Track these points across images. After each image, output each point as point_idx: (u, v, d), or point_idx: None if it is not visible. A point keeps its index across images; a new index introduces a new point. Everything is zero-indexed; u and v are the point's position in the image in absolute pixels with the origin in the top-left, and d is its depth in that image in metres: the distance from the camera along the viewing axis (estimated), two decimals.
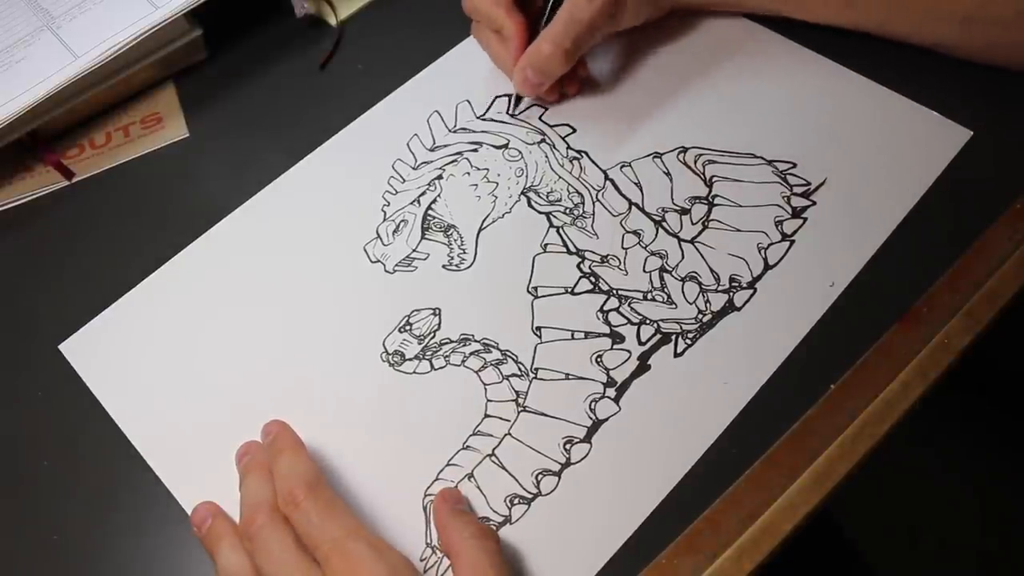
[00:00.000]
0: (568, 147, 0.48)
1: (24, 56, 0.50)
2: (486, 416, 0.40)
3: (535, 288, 0.43)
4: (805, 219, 0.44)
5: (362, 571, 0.32)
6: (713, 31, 0.52)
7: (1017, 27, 0.44)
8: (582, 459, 0.38)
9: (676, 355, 0.41)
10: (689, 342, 0.41)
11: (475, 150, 0.49)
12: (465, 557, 0.33)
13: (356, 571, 0.32)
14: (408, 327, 0.43)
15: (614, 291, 0.43)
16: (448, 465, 0.39)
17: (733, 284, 0.42)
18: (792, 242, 0.43)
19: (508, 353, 0.41)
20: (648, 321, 0.42)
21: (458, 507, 0.36)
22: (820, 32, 0.49)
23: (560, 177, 0.47)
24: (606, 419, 0.39)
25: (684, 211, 0.45)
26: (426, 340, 0.42)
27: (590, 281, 0.43)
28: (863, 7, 0.47)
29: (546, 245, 0.45)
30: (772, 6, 0.49)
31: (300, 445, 0.37)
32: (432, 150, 0.49)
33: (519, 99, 0.50)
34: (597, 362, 0.41)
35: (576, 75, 0.49)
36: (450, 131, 0.50)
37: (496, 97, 0.51)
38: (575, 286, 0.43)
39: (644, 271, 0.43)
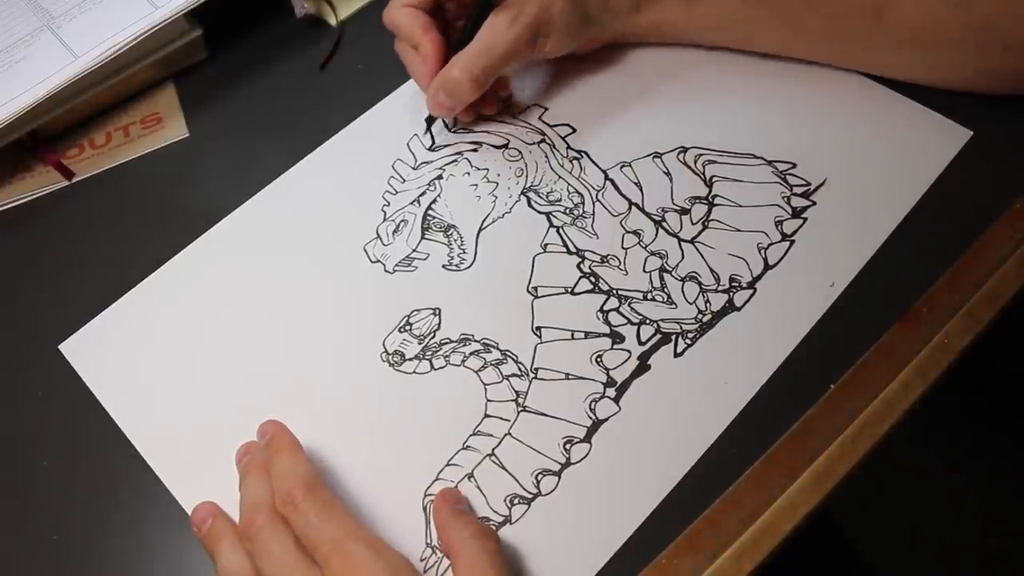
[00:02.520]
0: (568, 147, 0.48)
1: (24, 56, 0.50)
2: (486, 416, 0.40)
3: (535, 288, 0.43)
4: (805, 219, 0.44)
5: (362, 571, 0.32)
6: None
7: (961, 47, 0.43)
8: (582, 459, 0.38)
9: (676, 355, 0.41)
10: (689, 342, 0.41)
11: (475, 150, 0.49)
12: (465, 557, 0.33)
13: (356, 572, 0.32)
14: (408, 327, 0.43)
15: (614, 291, 0.43)
16: (448, 465, 0.39)
17: (733, 284, 0.42)
18: (792, 242, 0.43)
19: (508, 353, 0.41)
20: (648, 321, 0.42)
21: (458, 507, 0.36)
22: None
23: (560, 177, 0.47)
24: (606, 419, 0.39)
25: (684, 211, 0.45)
26: (426, 340, 0.42)
27: (590, 281, 0.43)
28: (809, 40, 0.46)
29: (546, 245, 0.45)
30: (717, 38, 0.49)
31: (297, 445, 0.37)
32: (432, 150, 0.49)
33: (431, 120, 0.49)
34: (597, 362, 0.41)
35: (495, 96, 0.49)
36: (450, 131, 0.50)
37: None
38: (575, 286, 0.43)
39: (644, 271, 0.43)
